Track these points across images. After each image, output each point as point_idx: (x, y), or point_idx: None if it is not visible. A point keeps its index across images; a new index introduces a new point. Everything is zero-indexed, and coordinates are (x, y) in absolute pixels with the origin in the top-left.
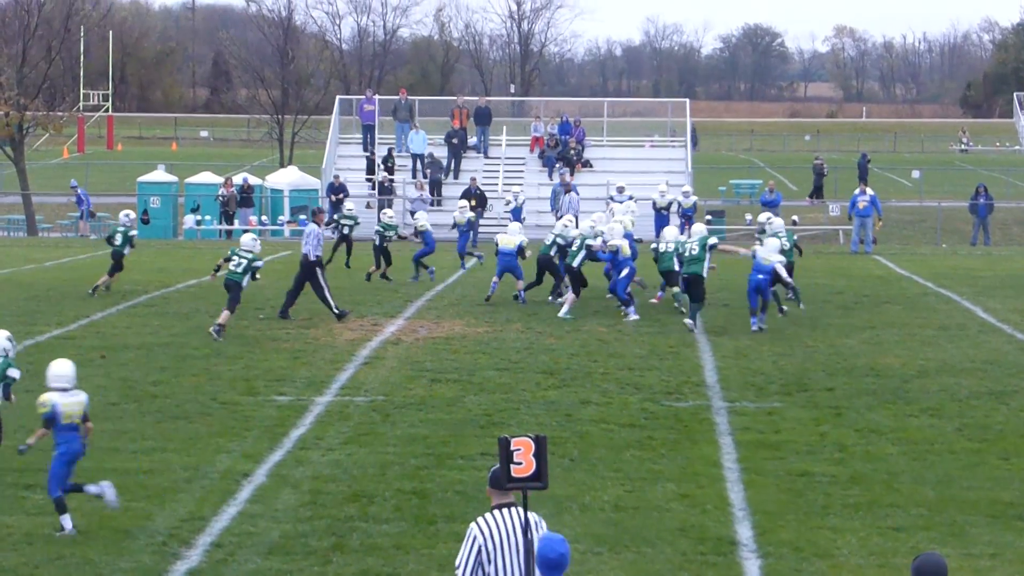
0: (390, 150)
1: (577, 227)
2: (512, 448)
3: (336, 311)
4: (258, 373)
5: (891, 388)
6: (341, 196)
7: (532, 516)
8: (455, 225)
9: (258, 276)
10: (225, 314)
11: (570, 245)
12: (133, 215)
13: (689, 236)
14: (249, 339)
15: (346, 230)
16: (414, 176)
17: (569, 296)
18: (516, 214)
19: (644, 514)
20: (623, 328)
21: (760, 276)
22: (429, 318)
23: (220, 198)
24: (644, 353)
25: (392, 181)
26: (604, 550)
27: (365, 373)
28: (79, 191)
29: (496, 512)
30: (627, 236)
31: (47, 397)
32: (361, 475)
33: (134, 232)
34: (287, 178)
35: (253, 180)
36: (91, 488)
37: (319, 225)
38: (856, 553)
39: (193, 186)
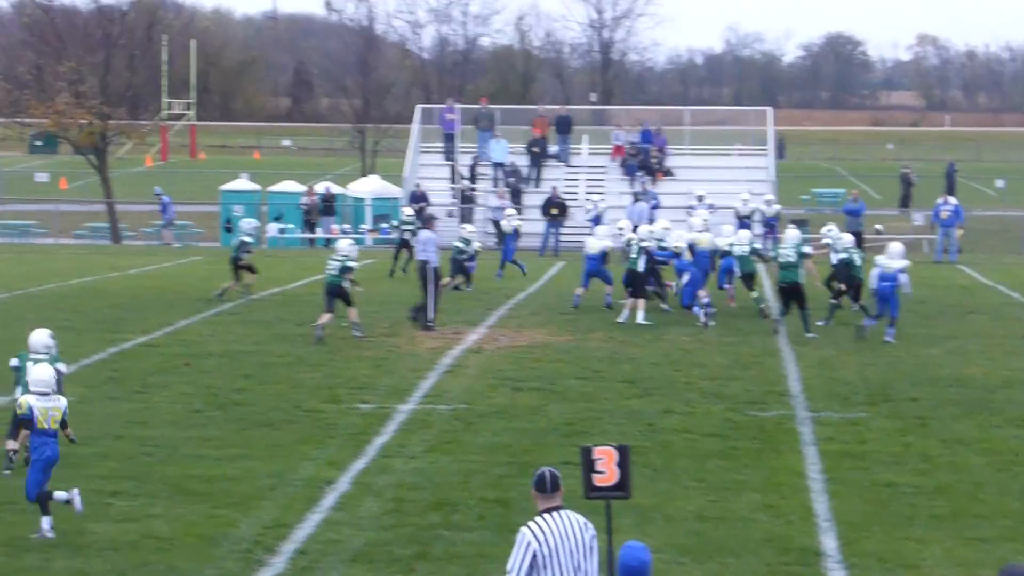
0: (475, 159)
1: (634, 233)
2: (594, 457)
3: (429, 321)
4: (341, 381)
5: (976, 398)
6: (422, 205)
7: (579, 519)
8: (502, 233)
9: (351, 278)
10: (352, 311)
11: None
12: (256, 223)
13: (770, 243)
14: (331, 347)
15: (407, 235)
16: (495, 185)
17: (630, 302)
18: (596, 222)
19: (728, 524)
20: (706, 337)
21: (885, 284)
22: (510, 327)
23: (303, 206)
24: (727, 362)
25: (474, 190)
26: (688, 560)
27: (447, 381)
28: (163, 199)
29: (547, 516)
30: (691, 245)
31: (24, 399)
32: (444, 483)
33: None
34: (369, 187)
35: (335, 189)
36: (60, 495)
37: (432, 231)
38: (941, 564)
39: (276, 195)
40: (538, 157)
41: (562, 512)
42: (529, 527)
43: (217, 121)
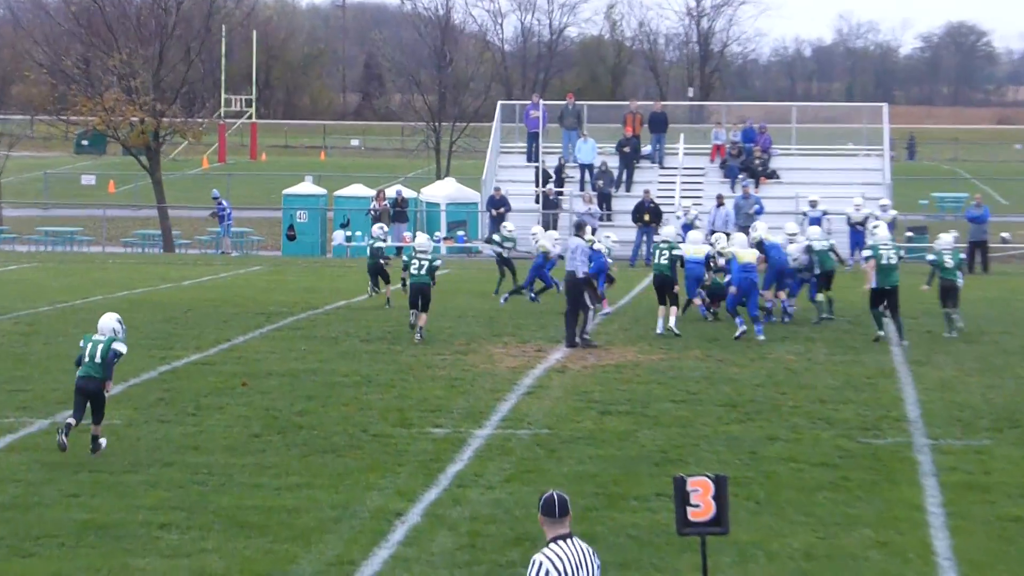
0: (561, 160)
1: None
2: (689, 489)
3: (580, 339)
4: (412, 403)
5: None
6: (502, 210)
7: (587, 548)
8: (544, 254)
9: (434, 280)
10: (423, 317)
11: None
12: (385, 227)
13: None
14: (402, 365)
15: (505, 252)
16: (582, 188)
17: (661, 309)
18: (687, 229)
19: (838, 563)
20: (814, 356)
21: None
22: (598, 344)
23: (372, 212)
24: (838, 384)
25: (560, 194)
26: None
27: (528, 404)
28: (221, 202)
29: (559, 543)
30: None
31: None
32: (524, 516)
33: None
34: (444, 191)
35: (407, 193)
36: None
37: (583, 239)
38: None
39: (343, 199)
40: (629, 158)
41: (572, 540)
42: (545, 555)
43: (280, 119)
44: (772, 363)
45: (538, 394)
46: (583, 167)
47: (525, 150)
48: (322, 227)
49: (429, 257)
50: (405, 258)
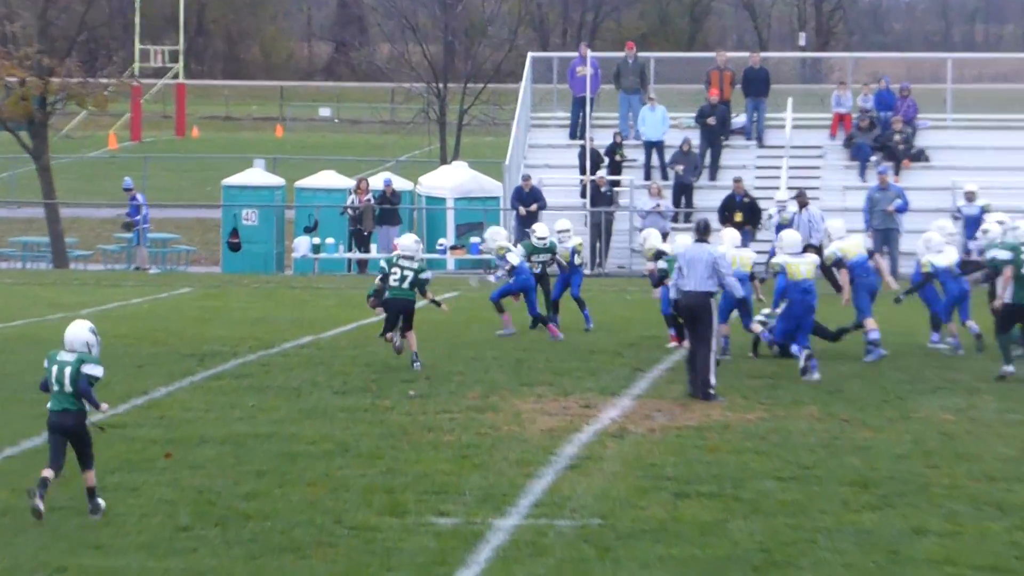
0: (618, 135)
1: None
2: None
3: (710, 388)
4: (406, 481)
5: None
6: (534, 208)
7: None
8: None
9: (429, 293)
10: (411, 337)
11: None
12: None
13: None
14: (393, 427)
15: (538, 268)
16: (647, 176)
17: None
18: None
19: None
20: (979, 413)
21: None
22: (671, 396)
23: (350, 211)
24: (1014, 454)
25: (615, 186)
26: None
27: (571, 482)
28: (135, 198)
29: None
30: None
31: None
32: None
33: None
34: (452, 180)
35: (400, 184)
36: None
37: (707, 242)
38: None
39: (308, 192)
40: (715, 133)
41: None
42: None
43: (218, 79)
44: (919, 423)
45: (585, 468)
46: (649, 145)
47: (567, 122)
48: (278, 232)
49: (414, 266)
50: (383, 264)
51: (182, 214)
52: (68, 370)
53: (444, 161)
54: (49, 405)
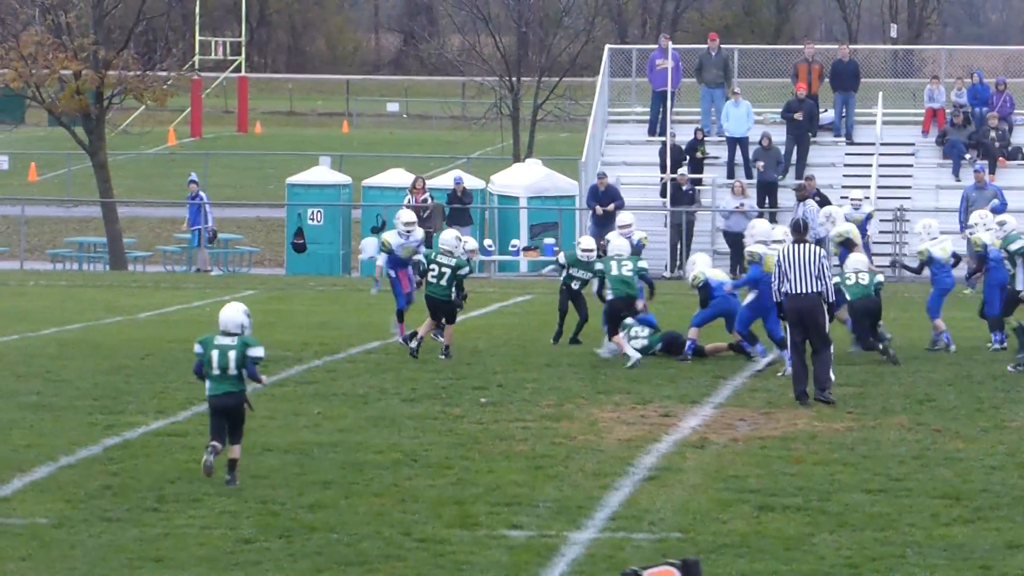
0: (699, 132)
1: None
2: None
3: (819, 393)
4: (478, 492)
5: None
6: (611, 207)
7: None
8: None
9: (466, 291)
10: (447, 330)
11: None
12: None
13: None
14: (464, 436)
15: (576, 284)
16: (730, 175)
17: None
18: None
19: None
20: None
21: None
22: (754, 404)
23: (420, 210)
24: None
25: (696, 184)
26: None
27: (650, 494)
28: (198, 197)
29: None
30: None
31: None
32: None
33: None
34: (525, 178)
35: (471, 182)
36: None
37: (805, 242)
38: None
39: (375, 191)
40: (802, 129)
41: None
42: None
43: (282, 73)
44: (1014, 434)
45: (665, 480)
46: (733, 142)
47: (647, 118)
48: (344, 232)
49: (452, 262)
50: (421, 258)
51: (245, 213)
52: (232, 354)
53: (517, 158)
54: (210, 390)
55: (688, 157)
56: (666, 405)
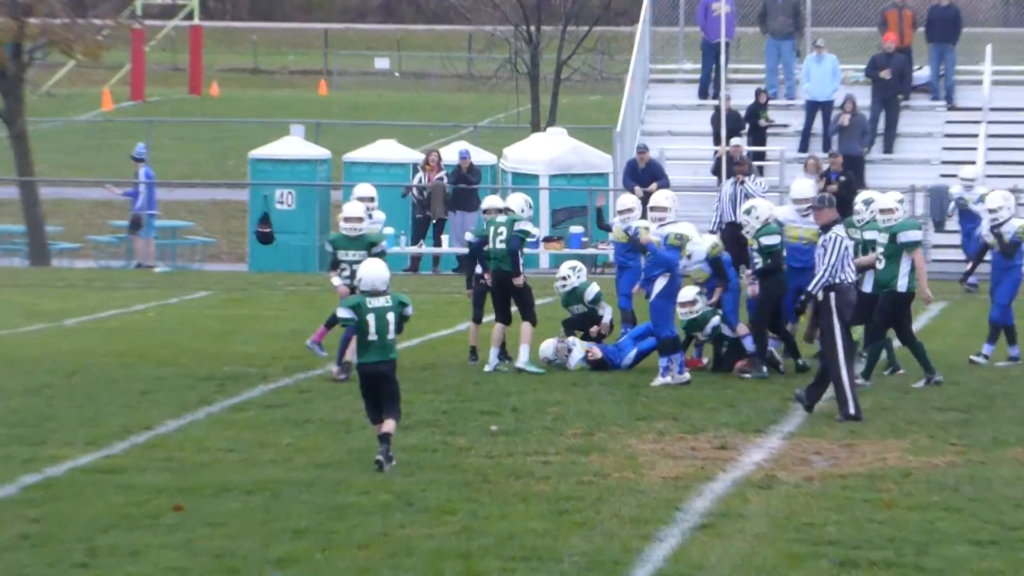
0: (761, 93)
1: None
2: None
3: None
4: (488, 543)
5: None
6: (653, 187)
7: None
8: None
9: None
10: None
11: None
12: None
13: None
14: (470, 473)
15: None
16: (804, 148)
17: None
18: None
19: None
20: None
21: None
22: (833, 434)
23: (415, 193)
24: None
25: (759, 159)
26: None
27: (703, 546)
28: (141, 172)
29: None
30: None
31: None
32: None
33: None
34: (546, 152)
35: (480, 156)
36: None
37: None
38: None
39: (361, 168)
40: (891, 90)
41: None
42: None
43: (245, 22)
44: None
45: (721, 528)
46: (814, 107)
47: (697, 77)
48: (322, 219)
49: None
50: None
51: (198, 195)
52: (391, 316)
53: (537, 128)
54: (363, 358)
55: (748, 125)
56: (722, 435)
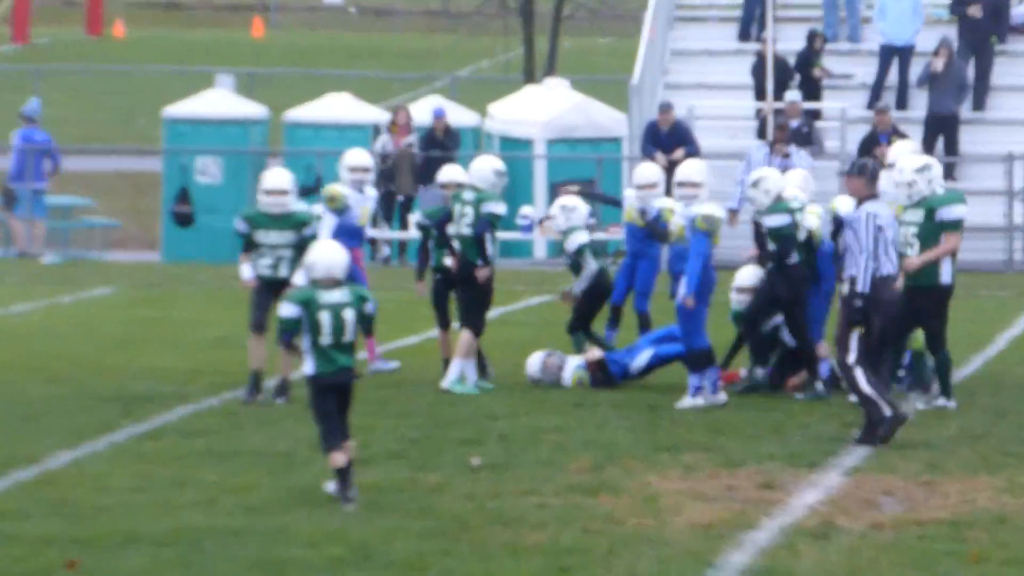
0: (815, 35)
1: None
2: None
3: (884, 423)
4: None
5: None
6: (679, 154)
7: None
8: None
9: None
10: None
11: None
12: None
13: None
14: (445, 517)
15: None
16: (875, 101)
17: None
18: None
19: None
20: None
21: None
22: (908, 469)
23: (380, 158)
24: None
25: (815, 118)
26: None
27: None
28: (29, 135)
29: None
30: None
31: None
32: None
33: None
34: (543, 110)
35: (457, 116)
36: None
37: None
38: None
39: (306, 130)
40: (982, 31)
41: None
42: None
43: None
44: None
45: None
46: (890, 52)
47: (736, 15)
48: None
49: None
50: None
51: (97, 165)
52: (349, 313)
53: (531, 79)
54: (317, 367)
55: (800, 76)
56: (767, 470)
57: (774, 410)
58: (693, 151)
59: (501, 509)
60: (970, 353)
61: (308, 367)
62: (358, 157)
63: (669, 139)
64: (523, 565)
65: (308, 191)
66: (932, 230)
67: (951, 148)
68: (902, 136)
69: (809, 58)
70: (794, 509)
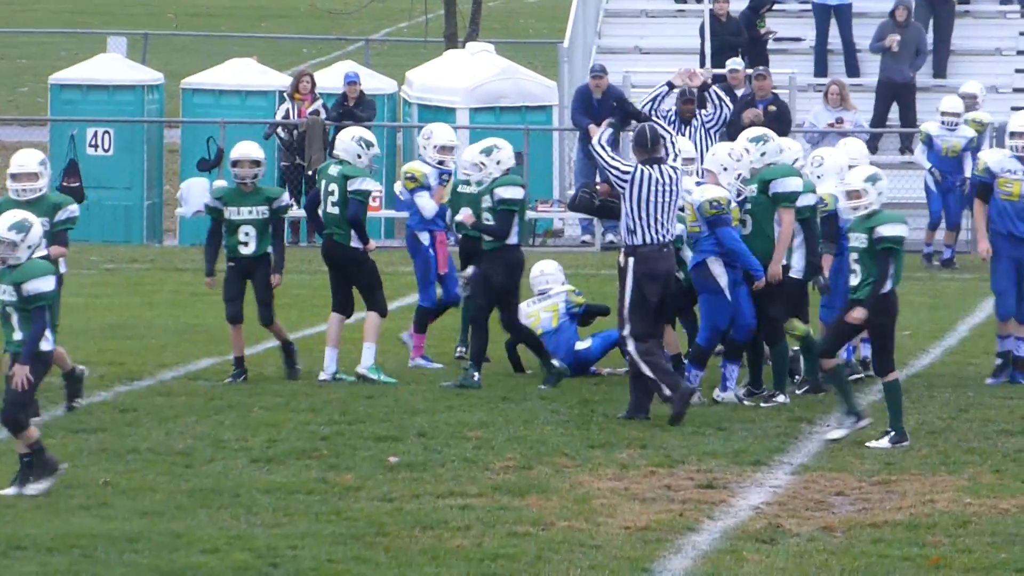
0: None
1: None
2: None
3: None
4: None
5: None
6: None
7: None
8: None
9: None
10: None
11: None
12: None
13: None
14: (360, 520)
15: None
16: (821, 70)
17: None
18: None
19: None
20: None
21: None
22: (862, 467)
23: (281, 133)
24: None
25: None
26: None
27: None
28: None
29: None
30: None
31: None
32: None
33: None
34: (465, 76)
35: (373, 83)
36: None
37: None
38: None
39: (205, 97)
40: None
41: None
42: None
43: None
44: None
45: None
46: (825, 10)
47: None
48: (151, 170)
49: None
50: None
51: None
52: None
53: (453, 43)
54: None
55: (744, 34)
56: (709, 468)
57: (716, 404)
58: (628, 121)
59: (421, 511)
60: (930, 343)
61: None
62: (449, 134)
63: (602, 107)
64: (445, 572)
65: (208, 164)
66: (766, 204)
67: (907, 119)
68: (782, 105)
69: (753, 18)
70: (738, 511)
